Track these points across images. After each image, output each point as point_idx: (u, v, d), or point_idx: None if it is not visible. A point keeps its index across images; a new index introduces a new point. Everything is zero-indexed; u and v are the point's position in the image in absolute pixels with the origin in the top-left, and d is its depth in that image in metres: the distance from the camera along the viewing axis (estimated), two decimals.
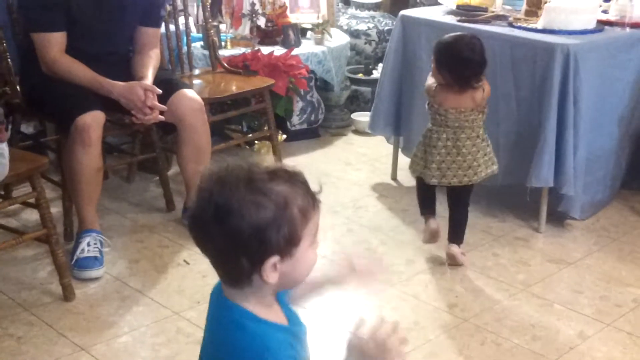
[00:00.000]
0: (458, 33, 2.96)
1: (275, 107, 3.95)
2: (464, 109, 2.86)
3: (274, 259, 1.21)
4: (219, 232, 1.20)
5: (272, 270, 1.22)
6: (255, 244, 1.20)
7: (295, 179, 1.25)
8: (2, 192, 3.01)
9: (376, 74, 4.78)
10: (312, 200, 1.25)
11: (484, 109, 2.92)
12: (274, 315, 1.29)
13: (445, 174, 2.91)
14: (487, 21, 3.50)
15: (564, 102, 3.16)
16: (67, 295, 2.74)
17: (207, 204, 1.21)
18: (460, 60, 2.82)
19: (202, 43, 4.13)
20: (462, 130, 2.88)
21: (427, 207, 3.07)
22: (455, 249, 3.01)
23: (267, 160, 1.22)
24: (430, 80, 2.93)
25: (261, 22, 4.44)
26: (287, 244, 1.22)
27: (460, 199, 3.01)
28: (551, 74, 3.14)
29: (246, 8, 4.40)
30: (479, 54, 2.84)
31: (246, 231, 1.19)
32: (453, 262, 3.02)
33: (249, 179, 1.21)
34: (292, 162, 4.11)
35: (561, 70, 3.13)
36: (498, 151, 3.41)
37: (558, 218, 3.41)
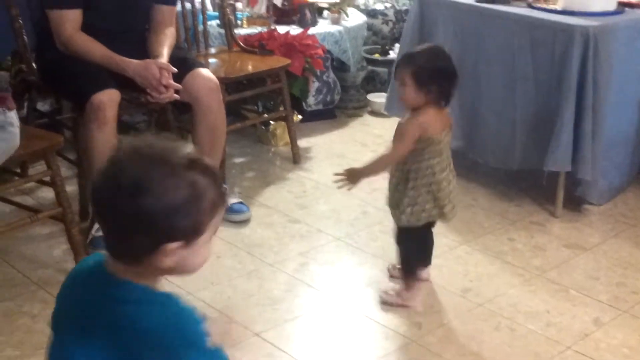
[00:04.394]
0: (425, 45, 2.67)
1: (291, 87, 3.93)
2: (449, 127, 2.51)
3: (176, 244, 1.21)
4: (130, 208, 1.19)
5: (171, 255, 1.22)
6: (163, 226, 1.20)
7: (211, 172, 1.26)
8: (18, 170, 3.02)
9: (393, 54, 4.76)
10: (221, 197, 1.27)
11: None
12: None
13: (454, 204, 2.59)
14: (506, 1, 3.46)
15: (582, 86, 3.12)
16: None
17: (123, 176, 1.19)
18: (450, 71, 2.46)
19: (218, 21, 4.11)
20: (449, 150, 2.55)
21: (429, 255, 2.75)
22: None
23: (188, 147, 1.26)
24: (412, 128, 2.43)
25: (278, 0, 4.41)
26: (192, 233, 1.23)
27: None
28: (570, 57, 3.09)
29: None
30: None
31: (158, 212, 1.18)
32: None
33: (168, 160, 1.22)
34: (307, 143, 4.10)
35: (580, 53, 3.09)
36: (515, 135, 3.39)
37: (575, 203, 3.38)
